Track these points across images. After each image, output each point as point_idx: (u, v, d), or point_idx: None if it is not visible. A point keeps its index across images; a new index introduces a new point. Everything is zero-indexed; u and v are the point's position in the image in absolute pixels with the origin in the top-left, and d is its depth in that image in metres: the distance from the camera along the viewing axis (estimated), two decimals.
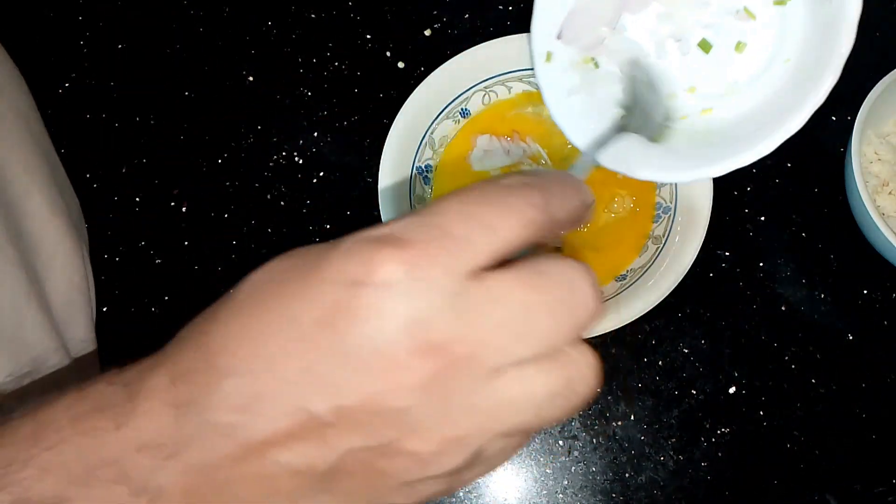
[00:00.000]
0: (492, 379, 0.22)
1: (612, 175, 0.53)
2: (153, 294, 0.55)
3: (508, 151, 0.54)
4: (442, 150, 0.54)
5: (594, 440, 0.52)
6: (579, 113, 0.42)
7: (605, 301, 0.49)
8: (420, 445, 0.22)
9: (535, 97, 0.54)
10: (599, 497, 0.51)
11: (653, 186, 0.53)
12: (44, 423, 0.24)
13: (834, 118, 0.58)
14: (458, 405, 0.22)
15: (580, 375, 0.24)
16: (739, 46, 0.41)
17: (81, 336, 0.49)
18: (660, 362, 0.53)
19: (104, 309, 0.54)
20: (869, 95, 0.51)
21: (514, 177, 0.24)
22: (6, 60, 0.52)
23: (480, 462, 0.24)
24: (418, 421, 0.22)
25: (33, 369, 0.43)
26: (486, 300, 0.22)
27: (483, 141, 0.54)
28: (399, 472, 0.23)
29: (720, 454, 0.51)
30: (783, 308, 0.54)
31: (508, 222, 0.23)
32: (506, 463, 0.51)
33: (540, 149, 0.54)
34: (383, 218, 0.50)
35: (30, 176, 0.47)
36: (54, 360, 0.45)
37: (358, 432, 0.22)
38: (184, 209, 0.56)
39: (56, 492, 0.23)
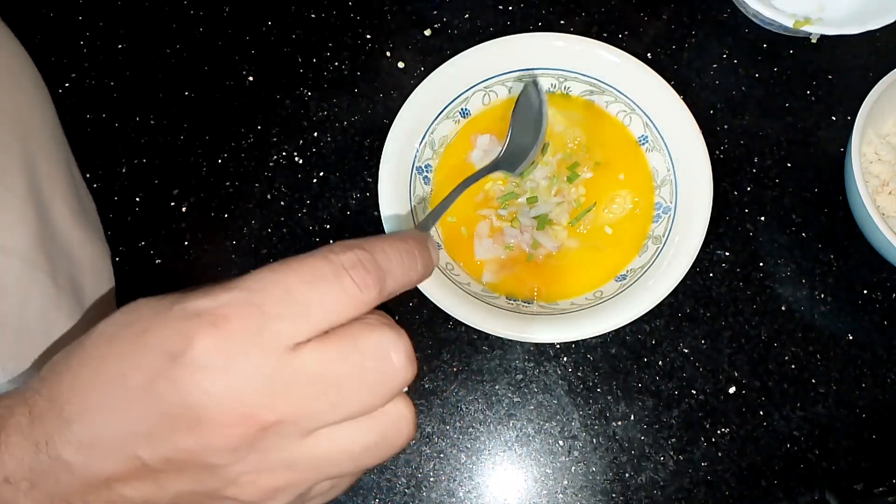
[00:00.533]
0: (308, 437, 0.25)
1: (613, 175, 0.53)
2: (153, 294, 0.54)
3: None
4: (442, 149, 0.54)
5: (594, 440, 0.52)
6: None
7: (605, 301, 0.49)
8: (241, 494, 0.26)
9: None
10: (599, 497, 0.51)
11: (653, 186, 0.53)
12: None
13: (834, 118, 0.58)
14: (275, 460, 0.25)
15: (395, 429, 0.26)
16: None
17: None
18: (660, 362, 0.53)
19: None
20: (869, 95, 0.51)
21: (349, 255, 0.25)
22: (32, 68, 0.51)
23: (313, 500, 0.27)
24: (236, 474, 0.25)
25: None
26: (298, 374, 0.24)
27: (484, 141, 0.54)
28: None
29: (720, 454, 0.51)
30: (783, 308, 0.54)
31: (336, 305, 0.25)
32: (507, 463, 0.51)
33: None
34: (384, 218, 0.50)
35: (53, 183, 0.47)
36: None
37: (184, 479, 0.25)
38: (184, 209, 0.56)
39: None
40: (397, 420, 0.26)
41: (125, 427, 0.25)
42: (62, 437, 0.26)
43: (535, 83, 0.52)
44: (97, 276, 0.49)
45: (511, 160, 0.49)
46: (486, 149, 0.54)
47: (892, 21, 0.52)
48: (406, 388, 0.26)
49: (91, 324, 0.46)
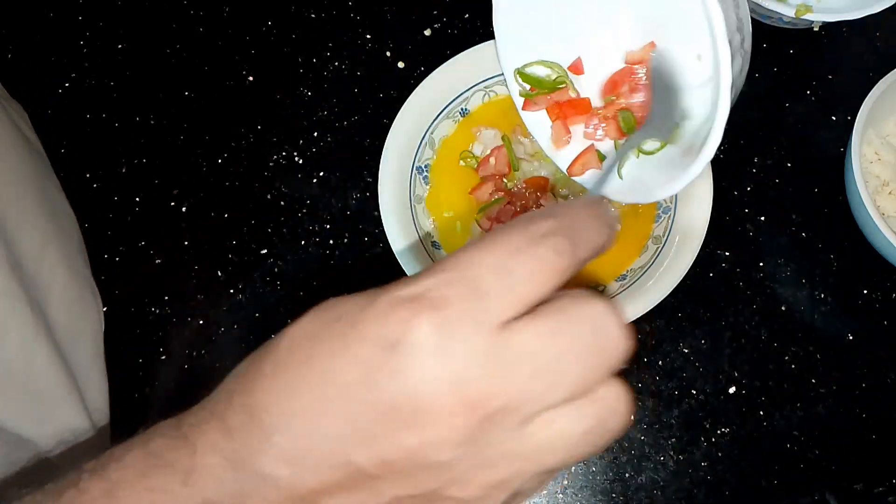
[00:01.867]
0: (527, 425, 0.23)
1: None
2: (153, 294, 0.55)
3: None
4: (441, 146, 0.54)
5: None
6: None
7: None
8: (462, 492, 0.24)
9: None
10: (599, 497, 0.51)
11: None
12: (115, 483, 0.25)
13: (834, 118, 0.58)
14: (496, 453, 0.23)
15: (612, 411, 0.24)
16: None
17: (87, 362, 0.49)
18: (660, 362, 0.53)
19: (104, 309, 0.54)
20: (869, 95, 0.51)
21: (541, 221, 0.24)
22: None
23: (519, 496, 0.25)
24: (459, 471, 0.23)
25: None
26: (516, 354, 0.23)
27: (488, 135, 0.54)
28: None
29: (720, 454, 0.51)
30: (783, 308, 0.54)
31: (538, 274, 0.23)
32: None
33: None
34: (383, 217, 0.49)
35: (18, 206, 0.46)
36: (62, 388, 0.45)
37: (402, 483, 0.24)
38: (184, 209, 0.56)
39: None
40: (614, 401, 0.24)
41: (338, 430, 0.23)
42: (265, 450, 0.24)
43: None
44: (67, 299, 0.48)
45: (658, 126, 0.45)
46: (489, 143, 0.53)
47: (890, 5, 0.52)
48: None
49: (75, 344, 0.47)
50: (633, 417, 0.26)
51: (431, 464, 0.23)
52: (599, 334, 0.23)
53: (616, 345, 0.24)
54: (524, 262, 0.23)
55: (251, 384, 0.25)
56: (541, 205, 0.52)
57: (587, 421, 0.24)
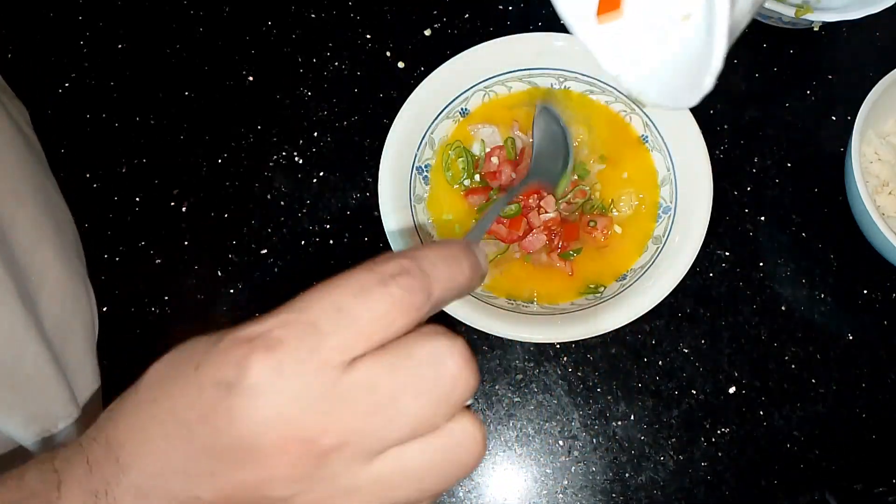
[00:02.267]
0: (369, 461, 0.24)
1: (617, 174, 0.53)
2: (153, 294, 0.55)
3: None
4: (440, 148, 0.54)
5: (594, 440, 0.52)
6: None
7: (605, 301, 0.49)
8: None
9: (533, 95, 0.54)
10: (599, 497, 0.51)
11: (657, 184, 0.53)
12: None
13: (834, 118, 0.58)
14: (338, 488, 0.24)
15: (460, 446, 0.25)
16: None
17: (78, 359, 0.49)
18: (660, 362, 0.53)
19: (104, 309, 0.54)
20: (869, 95, 0.51)
21: (393, 263, 0.24)
22: None
23: None
24: None
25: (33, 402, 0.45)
26: (354, 391, 0.23)
27: (487, 132, 0.54)
28: None
29: (720, 454, 0.51)
30: (783, 308, 0.54)
31: (383, 313, 0.24)
32: (507, 463, 0.51)
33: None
34: (384, 218, 0.49)
35: (14, 201, 0.46)
36: (50, 381, 0.45)
37: None
38: (184, 209, 0.56)
39: None
40: (462, 437, 0.25)
41: (183, 468, 0.24)
42: (119, 485, 0.25)
43: (548, 108, 0.52)
44: (60, 294, 0.48)
45: (545, 173, 0.50)
46: (488, 140, 0.53)
47: (890, 5, 0.52)
48: (470, 403, 0.25)
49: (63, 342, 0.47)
50: (485, 450, 0.25)
51: (271, 499, 0.24)
52: (439, 370, 0.24)
53: (456, 381, 0.24)
54: (367, 302, 0.24)
55: (113, 421, 0.26)
56: (540, 206, 0.52)
57: (432, 455, 0.24)
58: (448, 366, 0.24)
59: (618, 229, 0.52)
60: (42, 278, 0.47)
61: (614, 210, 0.53)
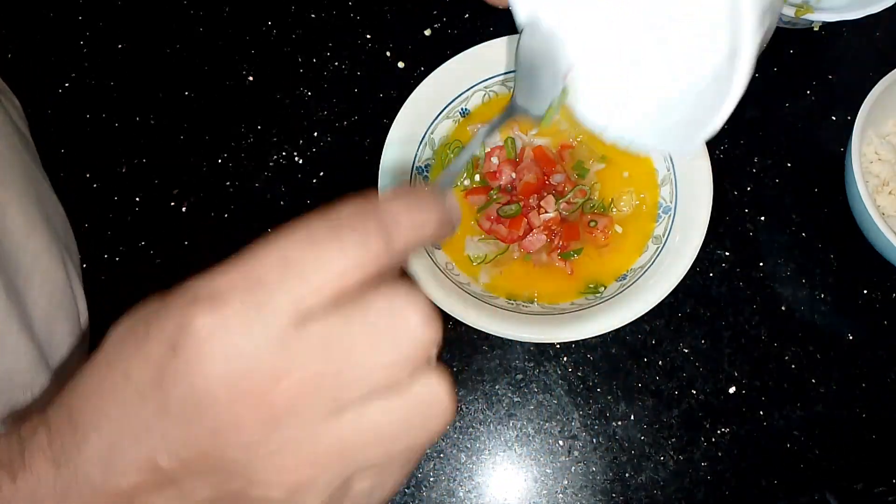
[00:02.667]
0: (327, 420, 0.22)
1: (617, 174, 0.53)
2: (153, 294, 0.54)
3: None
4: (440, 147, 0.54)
5: (594, 440, 0.52)
6: None
7: (605, 301, 0.49)
8: (268, 492, 0.23)
9: None
10: (599, 497, 0.51)
11: (657, 183, 0.53)
12: None
13: (834, 118, 0.58)
14: (296, 449, 0.23)
15: (425, 407, 0.23)
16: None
17: (63, 353, 0.49)
18: (660, 362, 0.53)
19: (104, 309, 0.54)
20: (869, 95, 0.51)
21: (350, 207, 0.23)
22: None
23: (356, 497, 0.25)
24: (258, 470, 0.23)
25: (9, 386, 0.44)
26: (305, 346, 0.22)
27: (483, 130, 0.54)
28: None
29: (720, 454, 0.51)
30: (783, 308, 0.54)
31: (335, 263, 0.22)
32: (507, 463, 0.51)
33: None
34: None
35: (5, 191, 0.46)
36: (33, 371, 0.45)
37: (206, 482, 0.24)
38: (184, 209, 0.56)
39: None
40: (427, 396, 0.23)
41: (139, 432, 0.24)
42: (80, 452, 0.24)
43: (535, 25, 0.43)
44: (49, 287, 0.48)
45: (530, 103, 0.41)
46: (488, 139, 0.53)
47: (890, 5, 0.52)
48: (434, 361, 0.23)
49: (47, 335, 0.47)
50: (453, 416, 0.24)
51: (227, 462, 0.23)
52: (397, 323, 0.22)
53: (414, 332, 0.22)
54: (323, 250, 0.22)
55: (74, 388, 0.25)
56: (540, 205, 0.52)
57: (397, 413, 0.23)
58: (408, 319, 0.22)
59: (618, 229, 0.52)
60: (31, 271, 0.47)
61: (614, 209, 0.53)
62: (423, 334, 0.22)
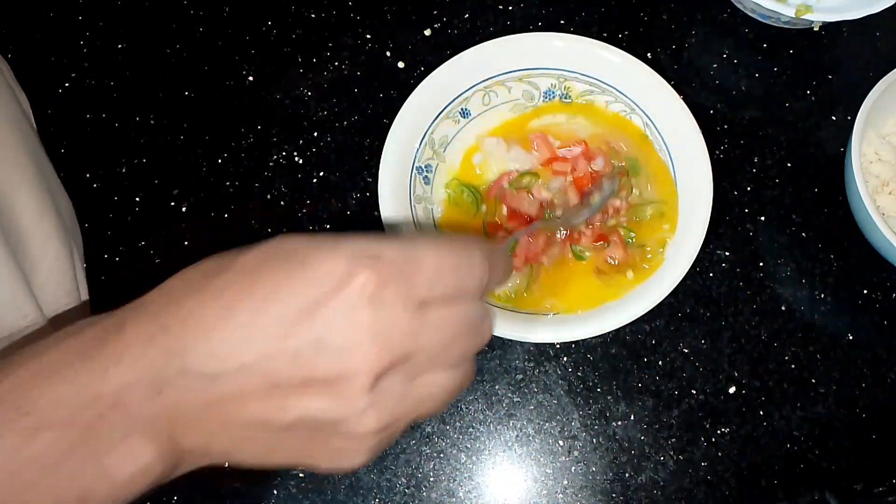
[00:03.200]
0: (414, 380, 0.30)
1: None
2: (152, 294, 0.54)
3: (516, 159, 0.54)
4: (442, 150, 0.54)
5: (594, 440, 0.52)
6: None
7: (605, 301, 0.49)
8: (358, 428, 0.28)
9: (557, 108, 0.55)
10: (599, 497, 0.51)
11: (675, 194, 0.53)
12: (46, 364, 0.28)
13: (834, 118, 0.58)
14: (391, 396, 0.29)
15: (466, 380, 0.32)
16: None
17: None
18: (660, 362, 0.53)
19: (104, 309, 0.54)
20: (869, 95, 0.51)
21: (484, 252, 0.31)
22: None
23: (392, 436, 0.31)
24: (364, 407, 0.28)
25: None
26: (426, 326, 0.29)
27: (490, 143, 0.54)
28: (334, 446, 0.29)
29: (720, 454, 0.51)
30: (783, 308, 0.54)
31: (460, 283, 0.30)
32: (507, 463, 0.51)
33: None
34: (383, 217, 0.50)
35: (18, 176, 0.47)
36: None
37: (312, 404, 0.28)
38: (184, 209, 0.56)
39: (66, 417, 0.27)
40: (469, 374, 0.32)
41: (272, 346, 0.27)
42: (198, 349, 0.27)
43: None
44: (57, 274, 0.49)
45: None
46: (491, 151, 0.53)
47: (890, 5, 0.52)
48: None
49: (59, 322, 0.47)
50: (490, 333, 0.33)
51: (342, 396, 0.27)
52: (482, 327, 0.31)
53: (485, 338, 0.32)
54: (457, 274, 0.30)
55: (198, 292, 0.29)
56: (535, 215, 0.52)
57: (452, 384, 0.31)
58: (485, 325, 0.32)
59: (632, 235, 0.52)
60: (40, 255, 0.47)
61: (632, 234, 0.52)
62: (488, 339, 0.32)
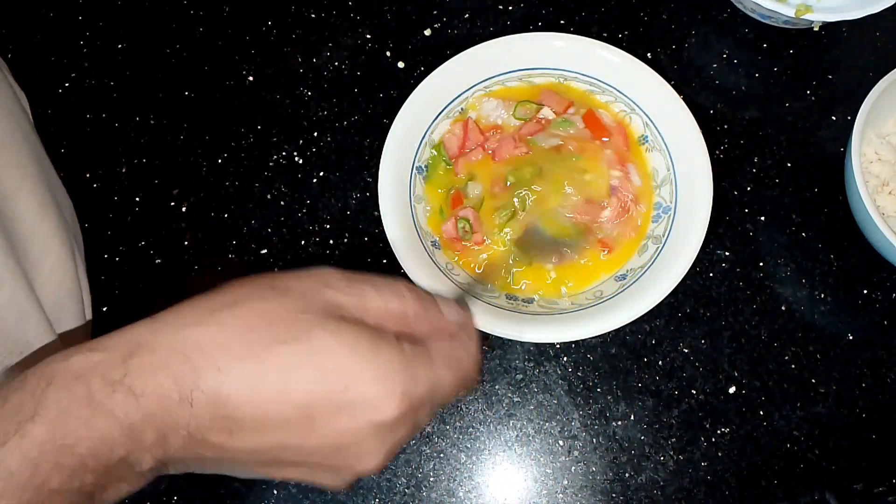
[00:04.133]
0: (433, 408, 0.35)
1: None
2: (153, 294, 0.55)
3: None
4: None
5: (594, 440, 0.52)
6: None
7: (605, 301, 0.49)
8: (362, 467, 0.32)
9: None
10: (599, 497, 0.51)
11: (652, 187, 0.53)
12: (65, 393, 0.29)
13: (834, 118, 0.58)
14: (414, 425, 0.34)
15: (472, 386, 0.37)
16: None
17: (68, 341, 0.49)
18: (660, 362, 0.53)
19: (104, 309, 0.54)
20: (869, 95, 0.51)
21: (453, 308, 0.37)
22: None
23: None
24: (369, 451, 0.32)
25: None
26: (429, 365, 0.33)
27: (490, 105, 0.53)
28: (335, 482, 0.33)
29: (720, 454, 0.51)
30: (783, 308, 0.54)
31: (442, 324, 0.36)
32: (507, 463, 0.51)
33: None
34: (383, 217, 0.50)
35: (20, 174, 0.47)
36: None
37: (321, 438, 0.31)
38: (184, 209, 0.56)
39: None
40: (473, 383, 0.37)
41: (307, 381, 0.30)
42: (230, 372, 0.29)
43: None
44: (59, 272, 0.49)
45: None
46: (491, 111, 0.53)
47: (890, 5, 0.52)
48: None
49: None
50: (479, 366, 0.38)
51: (354, 438, 0.31)
52: (470, 367, 0.36)
53: (477, 371, 0.37)
54: (438, 315, 0.36)
55: (238, 320, 0.31)
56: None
57: (459, 393, 0.35)
58: (474, 366, 0.36)
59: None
60: (41, 255, 0.47)
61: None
62: (474, 381, 0.37)
